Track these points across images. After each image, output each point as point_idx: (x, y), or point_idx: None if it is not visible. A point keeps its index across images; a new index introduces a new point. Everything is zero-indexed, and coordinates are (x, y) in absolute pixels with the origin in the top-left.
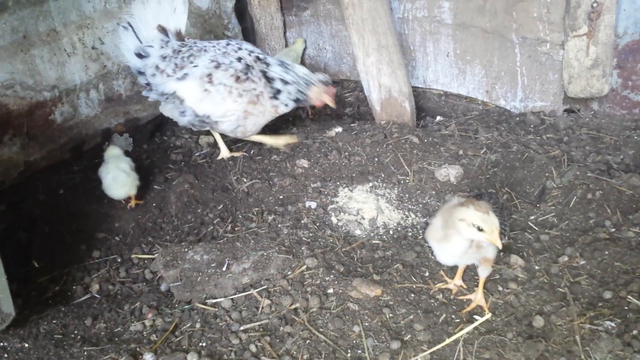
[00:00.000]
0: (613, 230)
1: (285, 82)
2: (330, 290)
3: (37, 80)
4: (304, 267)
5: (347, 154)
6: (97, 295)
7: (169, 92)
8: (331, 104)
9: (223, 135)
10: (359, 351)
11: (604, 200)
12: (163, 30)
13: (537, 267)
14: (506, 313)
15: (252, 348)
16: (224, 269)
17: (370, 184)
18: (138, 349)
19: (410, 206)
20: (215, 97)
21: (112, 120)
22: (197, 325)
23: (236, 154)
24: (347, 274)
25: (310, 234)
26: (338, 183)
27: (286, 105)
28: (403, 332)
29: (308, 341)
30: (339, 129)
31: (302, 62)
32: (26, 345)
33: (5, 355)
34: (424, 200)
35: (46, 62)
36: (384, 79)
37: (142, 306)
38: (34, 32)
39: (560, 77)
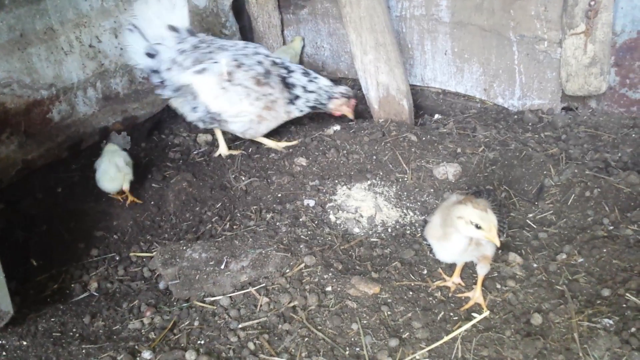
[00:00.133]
0: (611, 227)
1: (307, 90)
2: (329, 288)
3: (34, 79)
4: (302, 265)
5: (345, 152)
6: (95, 294)
7: (184, 84)
8: (350, 115)
9: (224, 133)
10: (357, 349)
11: (602, 198)
12: (173, 28)
13: (535, 265)
14: (504, 311)
15: (251, 346)
16: (222, 267)
17: (369, 182)
18: (136, 347)
19: (408, 204)
20: (232, 97)
21: (110, 119)
22: (196, 323)
23: (235, 152)
24: (346, 272)
25: (309, 232)
26: (336, 181)
27: (301, 110)
28: (401, 330)
29: (306, 339)
30: (337, 127)
31: (300, 61)
32: (24, 343)
33: (4, 354)
34: (422, 198)
35: (43, 60)
36: (382, 77)
37: (140, 304)
38: (31, 30)
39: (558, 75)
